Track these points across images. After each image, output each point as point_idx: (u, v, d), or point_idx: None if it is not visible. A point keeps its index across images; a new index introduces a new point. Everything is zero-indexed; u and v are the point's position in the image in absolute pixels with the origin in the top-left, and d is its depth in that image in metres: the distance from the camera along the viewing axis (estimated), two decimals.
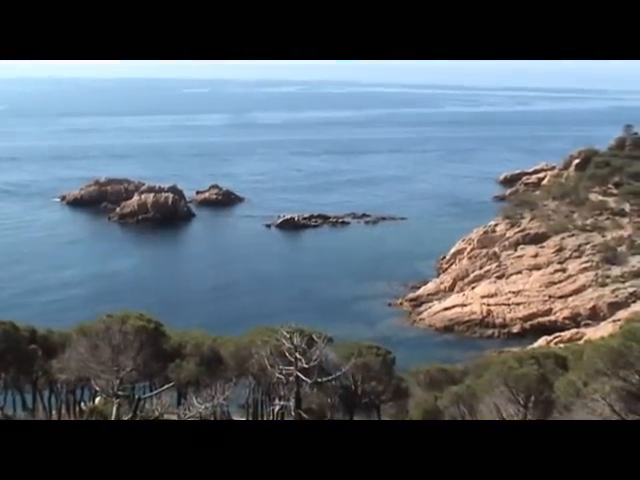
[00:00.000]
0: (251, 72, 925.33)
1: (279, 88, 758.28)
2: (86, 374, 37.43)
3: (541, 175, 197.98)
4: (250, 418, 48.64)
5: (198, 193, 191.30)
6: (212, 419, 42.43)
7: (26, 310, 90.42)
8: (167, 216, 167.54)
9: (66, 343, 43.23)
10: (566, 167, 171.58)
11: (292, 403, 32.11)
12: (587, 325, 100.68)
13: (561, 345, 73.21)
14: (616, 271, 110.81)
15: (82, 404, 49.00)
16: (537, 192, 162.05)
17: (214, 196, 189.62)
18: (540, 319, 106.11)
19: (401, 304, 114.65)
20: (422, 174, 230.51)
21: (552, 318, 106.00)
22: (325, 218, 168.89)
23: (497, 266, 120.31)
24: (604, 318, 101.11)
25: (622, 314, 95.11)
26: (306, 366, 30.76)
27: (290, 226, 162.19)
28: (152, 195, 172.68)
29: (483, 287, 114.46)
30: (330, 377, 34.22)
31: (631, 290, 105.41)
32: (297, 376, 30.95)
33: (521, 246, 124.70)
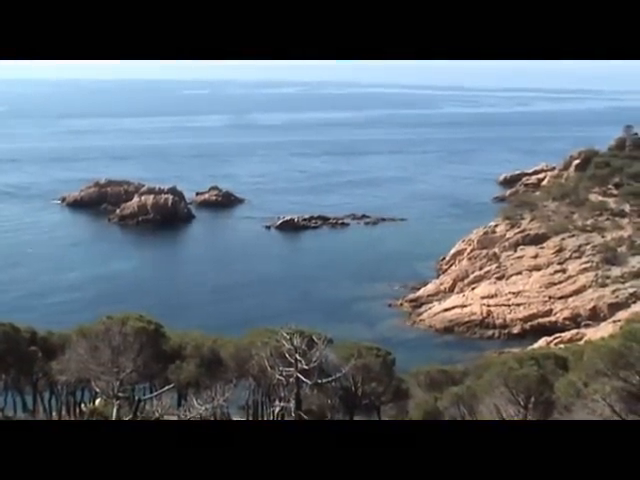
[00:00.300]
0: (251, 73, 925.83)
1: (279, 89, 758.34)
2: (86, 375, 37.44)
3: (541, 176, 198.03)
4: (250, 419, 48.64)
5: (198, 194, 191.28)
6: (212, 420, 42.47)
7: (28, 313, 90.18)
8: (167, 217, 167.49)
9: (66, 344, 43.23)
10: (566, 168, 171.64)
11: (292, 404, 32.11)
12: (587, 326, 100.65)
13: (561, 346, 73.20)
14: (616, 272, 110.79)
15: (82, 405, 48.99)
16: (537, 193, 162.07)
17: (214, 197, 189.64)
18: (540, 320, 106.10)
19: (401, 305, 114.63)
20: (422, 175, 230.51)
21: (552, 319, 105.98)
22: (325, 219, 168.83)
23: (497, 267, 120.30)
24: (604, 319, 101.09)
25: (622, 315, 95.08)
26: (306, 367, 30.76)
27: (290, 227, 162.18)
28: (152, 196, 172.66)
29: (483, 288, 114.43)
30: (330, 378, 34.22)
31: (631, 291, 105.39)
32: (297, 377, 30.94)
33: (521, 247, 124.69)
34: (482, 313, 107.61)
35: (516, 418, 32.01)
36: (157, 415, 28.85)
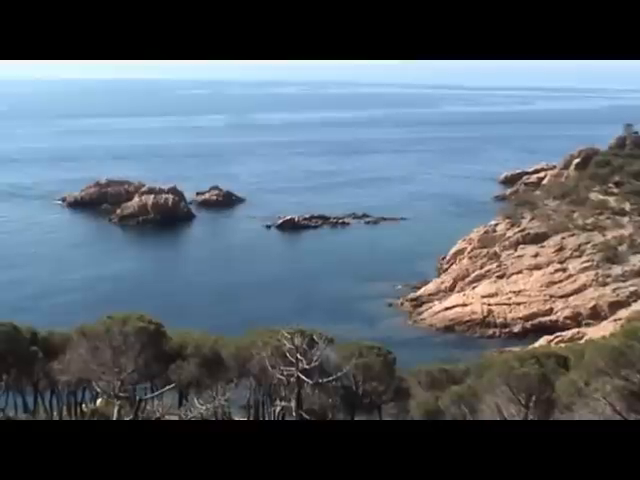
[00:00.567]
0: (252, 73, 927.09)
1: (280, 89, 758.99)
2: (87, 376, 37.46)
3: (541, 175, 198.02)
4: (251, 419, 48.63)
5: (198, 194, 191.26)
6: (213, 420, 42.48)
7: (30, 314, 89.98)
8: (167, 217, 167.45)
9: (67, 345, 43.24)
10: (566, 166, 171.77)
11: (293, 404, 32.10)
12: (588, 324, 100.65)
13: (562, 345, 73.19)
14: (617, 270, 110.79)
15: (83, 405, 49.00)
16: (537, 192, 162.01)
17: (214, 197, 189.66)
18: (541, 319, 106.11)
19: (402, 304, 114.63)
20: (422, 174, 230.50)
21: (553, 318, 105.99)
22: (325, 219, 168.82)
23: (498, 266, 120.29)
24: (605, 317, 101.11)
25: (623, 313, 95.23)
26: (307, 367, 30.75)
27: (290, 227, 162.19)
28: (152, 196, 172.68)
29: (484, 287, 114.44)
30: (331, 378, 34.20)
31: (632, 289, 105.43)
32: (298, 377, 30.93)
33: (522, 246, 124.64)
34: (483, 312, 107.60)
35: (517, 417, 31.99)
36: (158, 415, 28.87)
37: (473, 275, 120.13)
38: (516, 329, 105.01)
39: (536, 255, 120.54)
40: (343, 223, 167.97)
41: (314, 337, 34.31)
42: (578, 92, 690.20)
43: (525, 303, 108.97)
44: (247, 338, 46.58)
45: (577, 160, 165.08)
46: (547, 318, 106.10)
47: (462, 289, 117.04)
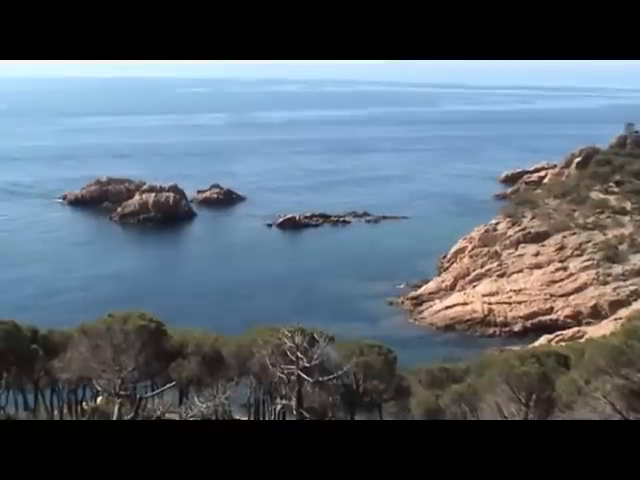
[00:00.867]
0: (252, 71, 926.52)
1: (280, 87, 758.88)
2: (88, 374, 37.46)
3: (542, 174, 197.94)
4: (252, 417, 48.65)
5: (199, 192, 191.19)
6: (214, 418, 42.51)
7: (31, 313, 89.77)
8: (168, 216, 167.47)
9: (68, 343, 43.25)
10: (567, 165, 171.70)
11: (294, 402, 32.11)
12: (588, 323, 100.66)
13: (562, 344, 73.21)
14: (617, 269, 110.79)
15: (84, 404, 49.02)
16: (538, 191, 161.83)
17: (215, 195, 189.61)
18: (541, 318, 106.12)
19: (402, 303, 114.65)
20: (423, 173, 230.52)
21: (553, 317, 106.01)
22: (326, 217, 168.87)
23: (498, 265, 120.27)
24: (605, 316, 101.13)
25: (623, 312, 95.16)
26: (308, 365, 30.75)
27: (291, 225, 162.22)
28: (153, 195, 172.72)
29: (484, 286, 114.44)
30: (332, 376, 34.21)
31: (632, 288, 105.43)
32: (299, 375, 30.94)
33: (522, 245, 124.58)
34: (483, 311, 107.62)
35: (517, 416, 32.01)
36: (158, 413, 28.88)
37: (474, 274, 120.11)
38: (516, 328, 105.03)
39: (537, 254, 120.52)
40: (344, 222, 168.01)
41: (315, 335, 34.33)
42: (579, 91, 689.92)
43: (526, 302, 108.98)
44: (248, 336, 46.56)
45: (578, 159, 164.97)
46: (547, 317, 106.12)
47: (463, 288, 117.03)
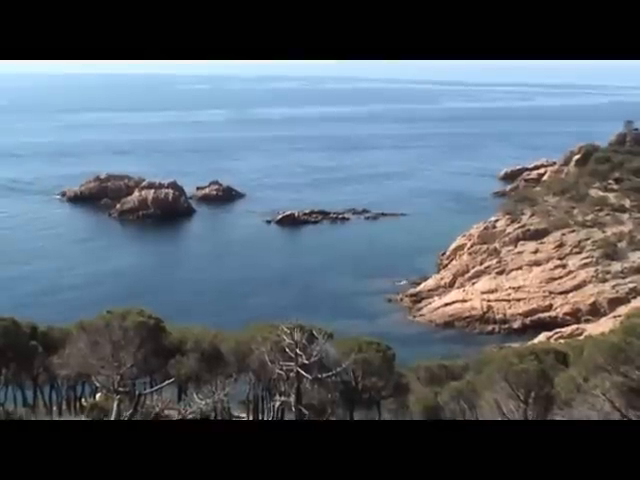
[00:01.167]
0: (252, 68, 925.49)
1: (280, 84, 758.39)
2: (86, 370, 37.45)
3: (541, 171, 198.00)
4: (251, 414, 48.70)
5: (198, 189, 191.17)
6: (212, 415, 42.51)
7: (32, 310, 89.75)
8: (167, 212, 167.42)
9: (66, 339, 43.26)
10: (566, 163, 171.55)
11: (292, 399, 32.12)
12: (587, 321, 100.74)
13: (561, 341, 73.31)
14: (616, 267, 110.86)
15: (83, 400, 49.02)
16: (537, 188, 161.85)
17: (214, 192, 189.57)
18: (540, 315, 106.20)
19: (401, 300, 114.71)
20: (422, 170, 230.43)
21: (552, 314, 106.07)
22: (325, 214, 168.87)
23: (497, 262, 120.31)
24: (604, 314, 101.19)
25: (622, 310, 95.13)
26: (306, 362, 30.76)
27: (290, 222, 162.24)
28: (152, 191, 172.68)
29: (483, 283, 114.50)
30: (330, 373, 34.21)
31: (631, 286, 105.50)
32: (297, 372, 30.95)
33: (521, 242, 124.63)
34: (482, 308, 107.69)
35: (516, 413, 32.04)
36: (157, 410, 28.89)
37: (473, 271, 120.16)
38: (515, 325, 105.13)
39: (536, 251, 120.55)
40: (343, 218, 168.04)
41: (313, 332, 34.37)
42: (578, 88, 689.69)
43: (525, 299, 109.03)
44: (246, 333, 46.57)
45: (577, 156, 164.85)
46: (546, 314, 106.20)
47: (462, 285, 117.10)
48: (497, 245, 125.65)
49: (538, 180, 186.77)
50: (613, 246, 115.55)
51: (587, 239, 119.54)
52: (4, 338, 43.06)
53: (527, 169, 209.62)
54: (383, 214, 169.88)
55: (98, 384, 34.96)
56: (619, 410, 25.42)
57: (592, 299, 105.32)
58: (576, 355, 34.88)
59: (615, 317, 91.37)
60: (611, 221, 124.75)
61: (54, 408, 48.18)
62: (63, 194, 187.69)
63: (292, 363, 30.99)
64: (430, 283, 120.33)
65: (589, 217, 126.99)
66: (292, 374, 31.67)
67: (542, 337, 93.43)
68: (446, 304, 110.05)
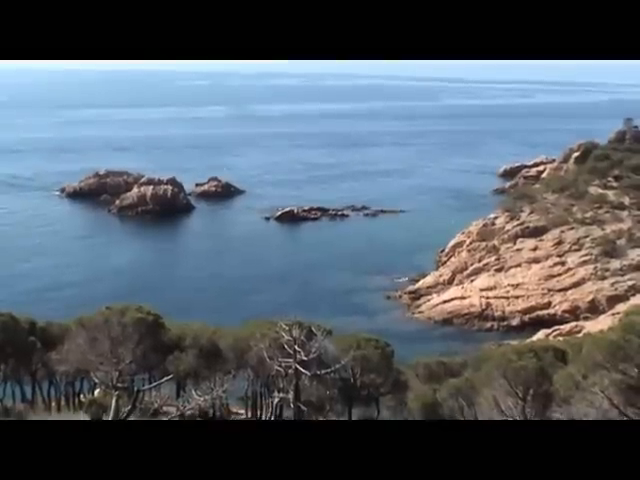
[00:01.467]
0: (252, 65, 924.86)
1: (280, 80, 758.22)
2: (85, 366, 37.52)
3: (541, 168, 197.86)
4: (249, 411, 48.78)
5: (197, 185, 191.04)
6: (211, 411, 42.58)
7: (30, 307, 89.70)
8: (166, 208, 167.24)
9: (65, 335, 43.30)
10: (566, 160, 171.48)
11: (291, 395, 32.19)
12: (586, 318, 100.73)
13: (560, 338, 73.33)
14: (615, 264, 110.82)
15: (81, 396, 49.08)
16: (537, 185, 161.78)
17: (213, 188, 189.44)
18: (539, 312, 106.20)
19: (400, 297, 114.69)
20: (422, 167, 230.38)
21: (551, 311, 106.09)
22: (324, 211, 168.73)
23: (496, 259, 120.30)
24: (603, 311, 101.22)
25: (621, 307, 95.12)
26: (305, 358, 30.82)
27: (289, 219, 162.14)
28: (151, 187, 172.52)
29: (482, 280, 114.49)
30: (329, 369, 34.26)
31: (630, 283, 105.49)
32: (296, 368, 31.01)
33: (520, 239, 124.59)
34: (481, 305, 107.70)
35: (514, 410, 32.04)
36: (156, 406, 28.92)
37: (472, 268, 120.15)
38: (514, 322, 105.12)
39: (535, 248, 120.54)
40: (342, 215, 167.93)
41: (312, 329, 34.42)
42: (578, 86, 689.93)
43: (523, 296, 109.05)
44: (245, 329, 46.66)
45: (576, 154, 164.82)
46: (545, 312, 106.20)
47: (461, 282, 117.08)
48: (496, 242, 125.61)
49: (537, 177, 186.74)
50: (612, 244, 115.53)
51: (586, 236, 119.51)
52: (3, 333, 43.13)
53: (526, 166, 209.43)
54: (382, 211, 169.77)
55: (97, 380, 35.04)
56: (617, 407, 25.44)
57: (591, 297, 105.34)
58: (575, 353, 34.89)
59: (614, 315, 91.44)
60: (610, 219, 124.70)
61: (53, 404, 48.26)
62: (62, 190, 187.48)
63: (291, 360, 31.05)
64: (429, 280, 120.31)
65: (588, 214, 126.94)
66: (291, 370, 31.74)
67: (541, 334, 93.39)
68: (445, 301, 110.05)
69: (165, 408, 31.12)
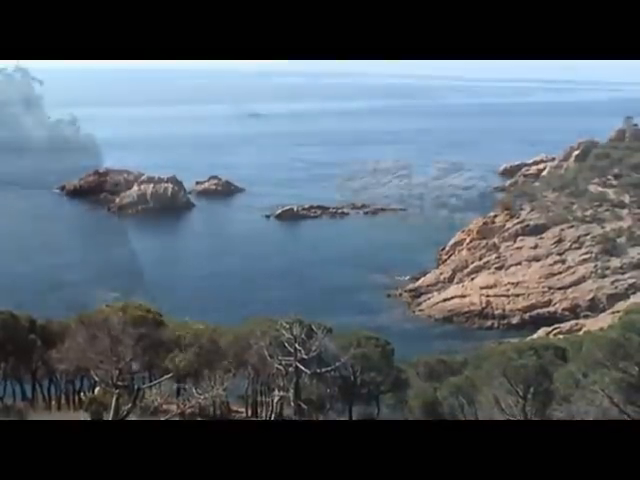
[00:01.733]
0: (252, 63, 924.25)
1: (280, 79, 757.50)
2: (85, 364, 37.46)
3: (541, 166, 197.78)
4: (249, 409, 48.77)
5: (198, 184, 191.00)
6: (211, 410, 42.59)
7: (29, 305, 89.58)
8: (166, 207, 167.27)
9: (65, 333, 43.27)
10: (566, 158, 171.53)
11: (291, 394, 32.21)
12: (586, 316, 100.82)
13: (560, 336, 73.31)
14: (615, 262, 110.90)
15: (81, 394, 49.05)
16: (537, 183, 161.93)
17: (214, 187, 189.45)
18: (539, 310, 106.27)
19: (400, 295, 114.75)
20: (422, 165, 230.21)
21: (551, 309, 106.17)
22: (324, 209, 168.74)
23: (496, 257, 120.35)
24: (603, 309, 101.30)
25: (621, 305, 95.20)
26: (305, 357, 30.85)
27: (289, 217, 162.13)
28: (151, 185, 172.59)
29: (482, 278, 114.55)
30: (329, 368, 34.28)
31: (630, 281, 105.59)
32: (296, 367, 31.03)
33: (520, 237, 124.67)
34: (481, 303, 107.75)
35: (514, 408, 32.06)
36: (156, 404, 28.92)
37: (472, 266, 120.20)
38: (514, 320, 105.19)
39: (535, 247, 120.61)
40: (342, 213, 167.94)
41: (312, 327, 34.44)
42: (578, 84, 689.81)
43: (524, 295, 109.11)
44: (245, 328, 46.59)
45: (576, 152, 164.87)
46: (545, 310, 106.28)
47: (461, 280, 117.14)
48: (496, 240, 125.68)
49: (537, 175, 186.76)
50: (612, 242, 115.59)
51: (586, 235, 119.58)
52: (3, 331, 43.10)
53: (526, 164, 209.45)
54: (382, 209, 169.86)
55: (97, 378, 34.97)
56: (617, 406, 25.47)
57: (591, 295, 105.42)
58: (575, 351, 34.88)
59: (614, 313, 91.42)
60: (610, 217, 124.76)
61: (53, 402, 48.25)
62: (62, 188, 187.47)
63: (291, 358, 31.07)
64: (429, 278, 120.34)
65: (588, 213, 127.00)
66: (291, 369, 31.76)
67: (541, 332, 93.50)
68: (445, 299, 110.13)
69: (165, 406, 31.09)
